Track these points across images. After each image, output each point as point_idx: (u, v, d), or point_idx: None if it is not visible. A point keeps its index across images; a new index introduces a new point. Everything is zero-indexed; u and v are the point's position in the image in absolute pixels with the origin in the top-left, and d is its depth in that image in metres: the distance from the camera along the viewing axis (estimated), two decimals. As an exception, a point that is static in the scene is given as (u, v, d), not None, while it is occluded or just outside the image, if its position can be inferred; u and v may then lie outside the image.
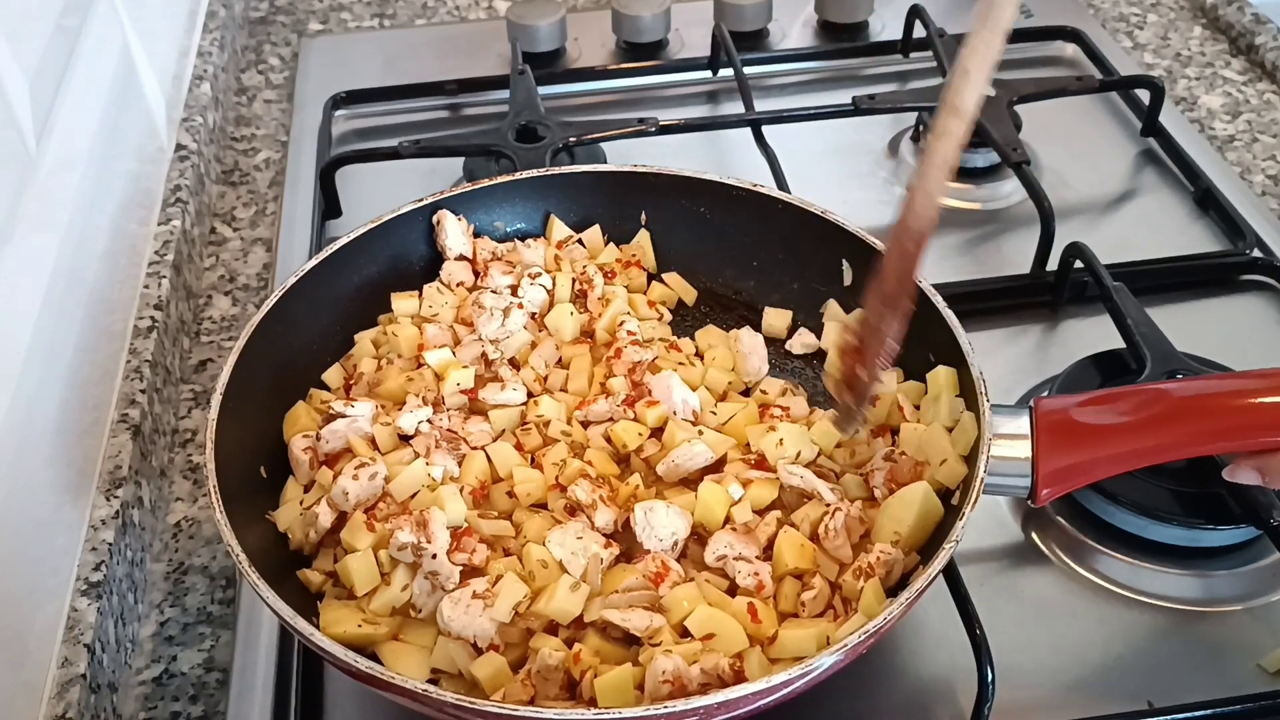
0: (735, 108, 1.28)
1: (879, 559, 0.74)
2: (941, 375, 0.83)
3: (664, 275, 1.00)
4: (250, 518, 0.78)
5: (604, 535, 0.78)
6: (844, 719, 0.78)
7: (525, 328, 0.94)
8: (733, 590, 0.77)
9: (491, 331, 0.92)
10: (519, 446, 0.86)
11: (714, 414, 0.89)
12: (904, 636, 0.82)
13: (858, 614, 0.73)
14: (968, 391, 0.79)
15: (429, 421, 0.85)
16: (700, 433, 0.85)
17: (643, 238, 1.00)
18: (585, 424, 0.88)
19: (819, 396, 0.92)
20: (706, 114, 1.33)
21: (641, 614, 0.73)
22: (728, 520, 0.80)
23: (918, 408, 0.85)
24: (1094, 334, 1.02)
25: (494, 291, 0.95)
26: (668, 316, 0.99)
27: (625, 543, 0.79)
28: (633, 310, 0.96)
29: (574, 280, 0.97)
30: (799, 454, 0.83)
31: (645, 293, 0.99)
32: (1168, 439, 0.77)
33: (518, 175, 1.00)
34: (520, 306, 0.93)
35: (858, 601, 0.74)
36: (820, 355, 0.95)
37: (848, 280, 0.94)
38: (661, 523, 0.78)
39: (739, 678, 0.69)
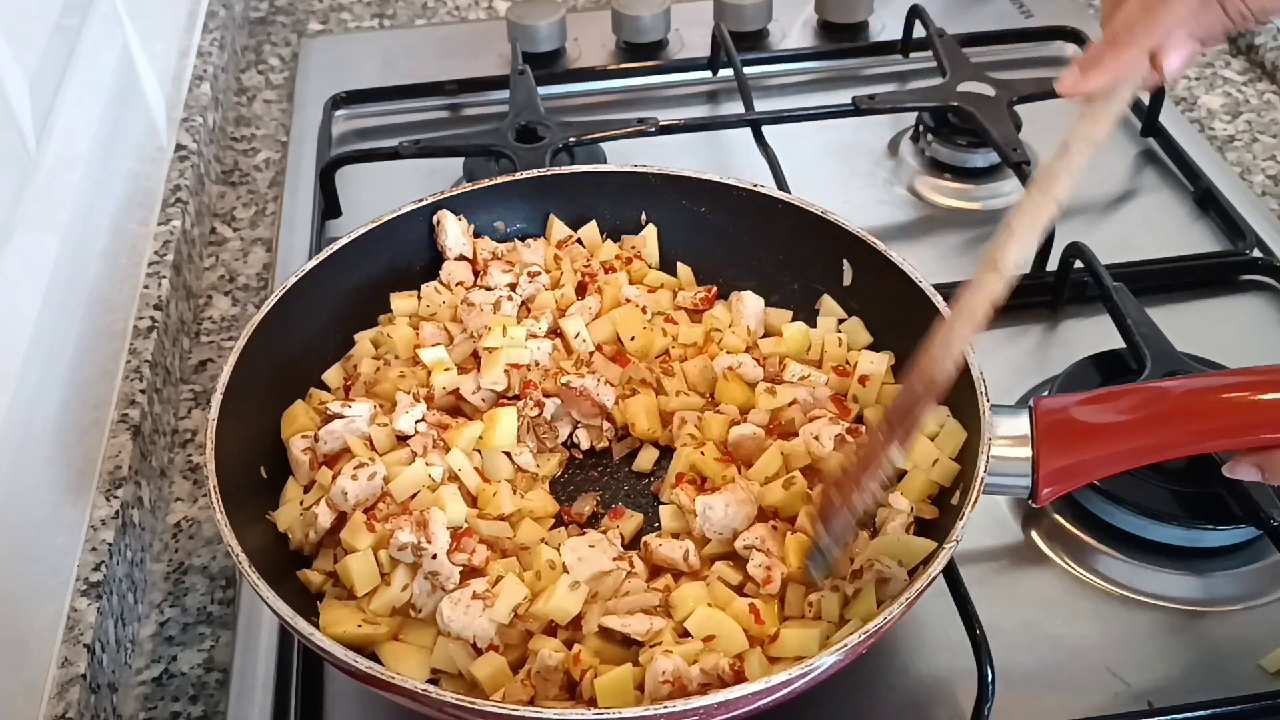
0: (735, 108, 1.28)
1: (872, 566, 0.74)
2: None
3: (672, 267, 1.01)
4: (250, 518, 0.78)
5: (619, 547, 0.78)
6: (844, 719, 0.78)
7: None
8: (741, 585, 0.77)
9: (481, 326, 0.91)
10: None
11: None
12: (904, 636, 0.82)
13: (855, 616, 0.73)
14: (967, 391, 0.79)
15: (424, 420, 0.85)
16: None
17: (648, 232, 1.00)
18: None
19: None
20: (706, 114, 1.33)
21: (641, 618, 0.73)
22: (775, 513, 0.80)
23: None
24: (1094, 334, 1.02)
25: (487, 289, 0.95)
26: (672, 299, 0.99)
27: (645, 559, 0.79)
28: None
29: (578, 273, 0.97)
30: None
31: (644, 283, 0.99)
32: (1167, 437, 0.77)
33: (517, 175, 1.00)
34: (510, 299, 0.93)
35: (854, 601, 0.74)
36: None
37: (847, 280, 0.94)
38: (719, 518, 0.79)
39: (739, 678, 0.69)
